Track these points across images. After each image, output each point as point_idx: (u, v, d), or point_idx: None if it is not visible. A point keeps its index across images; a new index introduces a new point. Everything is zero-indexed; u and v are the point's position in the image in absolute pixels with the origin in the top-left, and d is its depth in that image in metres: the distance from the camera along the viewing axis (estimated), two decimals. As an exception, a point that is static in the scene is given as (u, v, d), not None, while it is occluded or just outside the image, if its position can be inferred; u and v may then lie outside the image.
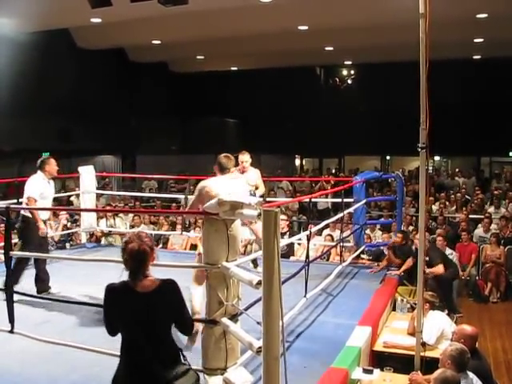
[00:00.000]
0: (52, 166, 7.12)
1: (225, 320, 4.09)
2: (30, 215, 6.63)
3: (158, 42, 18.88)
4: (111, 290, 3.38)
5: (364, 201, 9.07)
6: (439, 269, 8.38)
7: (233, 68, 24.43)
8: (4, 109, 17.32)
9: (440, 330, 6.23)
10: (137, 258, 3.34)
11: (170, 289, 3.42)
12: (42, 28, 16.42)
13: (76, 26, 17.91)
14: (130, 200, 15.17)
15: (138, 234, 3.44)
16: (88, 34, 18.33)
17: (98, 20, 15.64)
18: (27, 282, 6.55)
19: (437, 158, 26.51)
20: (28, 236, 6.59)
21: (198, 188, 4.81)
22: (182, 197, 9.21)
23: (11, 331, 5.00)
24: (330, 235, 10.39)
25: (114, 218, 11.99)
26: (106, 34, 17.72)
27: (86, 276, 7.24)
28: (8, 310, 4.99)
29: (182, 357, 3.48)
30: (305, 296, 6.26)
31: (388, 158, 28.25)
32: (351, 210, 8.92)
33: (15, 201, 8.74)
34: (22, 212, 6.74)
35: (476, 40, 16.78)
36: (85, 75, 19.71)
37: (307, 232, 6.78)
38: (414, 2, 5.17)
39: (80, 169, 10.21)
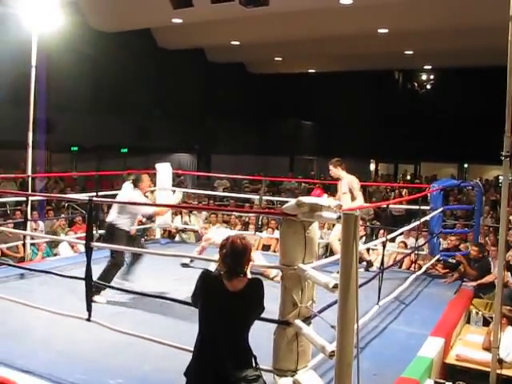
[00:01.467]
0: (145, 182, 7.21)
1: (298, 322, 4.07)
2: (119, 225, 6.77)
3: (236, 42, 19.07)
4: (205, 277, 3.42)
5: (441, 209, 8.85)
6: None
7: (310, 70, 24.39)
8: (85, 106, 17.95)
9: (519, 347, 6.00)
10: (238, 254, 3.33)
11: (256, 289, 3.41)
12: (124, 28, 16.91)
13: (158, 26, 18.32)
14: (204, 198, 15.36)
15: (240, 235, 3.47)
16: (169, 34, 18.75)
17: (179, 20, 15.96)
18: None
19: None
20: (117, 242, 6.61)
21: None
22: (256, 197, 9.23)
23: (88, 319, 5.15)
24: (404, 242, 10.21)
25: (189, 216, 12.17)
26: (187, 34, 18.05)
27: (160, 271, 7.39)
28: (86, 298, 5.14)
29: (255, 362, 3.46)
30: (377, 303, 6.18)
31: (466, 165, 27.51)
32: (427, 217, 8.72)
33: (94, 194, 9.04)
34: (110, 221, 6.85)
35: None
36: (164, 75, 20.16)
37: (383, 238, 6.67)
38: (502, 4, 5.02)
39: (157, 166, 10.40)
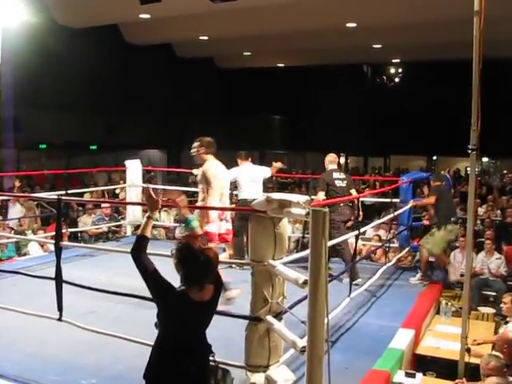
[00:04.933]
0: None
1: (269, 318, 4.09)
2: None
3: (205, 37, 18.98)
4: (169, 295, 3.22)
5: (411, 201, 8.95)
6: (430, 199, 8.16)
7: (279, 64, 24.41)
8: (52, 103, 17.69)
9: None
10: (204, 266, 3.18)
11: (219, 293, 3.37)
12: (91, 24, 16.70)
13: (125, 21, 18.15)
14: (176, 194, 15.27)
15: (198, 239, 3.28)
16: (136, 29, 18.58)
17: (147, 16, 15.82)
18: (74, 270, 6.66)
19: (485, 159, 26.02)
20: None
21: None
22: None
23: (59, 319, 5.11)
24: (378, 235, 10.32)
25: (160, 212, 12.10)
26: (154, 29, 17.92)
27: (130, 268, 7.33)
28: (57, 298, 5.09)
29: (212, 356, 3.41)
30: (349, 296, 6.22)
31: (434, 158, 27.84)
32: (400, 211, 8.81)
33: (63, 192, 8.94)
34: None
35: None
36: (133, 70, 19.99)
37: (355, 232, 6.72)
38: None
39: (127, 162, 10.33)
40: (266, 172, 8.45)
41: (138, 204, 8.99)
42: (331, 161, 8.14)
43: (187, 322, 3.23)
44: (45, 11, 15.12)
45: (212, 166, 6.17)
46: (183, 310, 3.21)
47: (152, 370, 3.29)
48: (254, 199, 4.30)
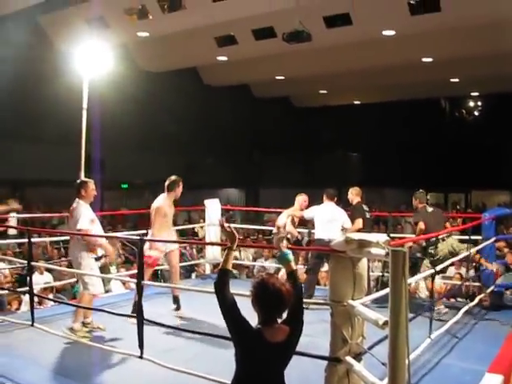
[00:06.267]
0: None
1: (348, 359, 4.05)
2: None
3: (281, 77, 19.29)
4: (244, 331, 3.21)
5: (493, 239, 8.65)
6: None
7: (356, 102, 24.42)
8: (134, 145, 18.37)
9: None
10: (279, 302, 3.16)
11: (298, 335, 3.29)
12: (171, 68, 17.35)
13: (203, 64, 18.72)
14: (254, 233, 15.40)
15: (273, 276, 3.27)
16: (214, 71, 19.12)
17: (224, 58, 16.27)
18: (154, 308, 6.80)
19: None
20: None
21: None
22: (305, 231, 9.19)
23: (141, 357, 5.23)
24: (460, 273, 10.00)
25: (240, 251, 12.20)
26: (232, 71, 18.40)
27: (208, 305, 7.41)
28: (138, 336, 5.22)
29: None
30: (429, 336, 6.04)
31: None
32: (479, 247, 8.53)
33: (145, 231, 9.23)
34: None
35: None
36: (211, 111, 20.51)
37: (432, 270, 6.57)
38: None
39: (206, 202, 10.51)
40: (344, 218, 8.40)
41: (218, 244, 9.12)
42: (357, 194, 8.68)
43: (262, 363, 3.20)
44: (129, 59, 15.85)
45: None
46: (257, 350, 3.18)
47: None
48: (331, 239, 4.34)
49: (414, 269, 7.63)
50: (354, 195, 8.64)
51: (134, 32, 14.78)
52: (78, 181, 6.87)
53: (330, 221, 8.11)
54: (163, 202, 7.46)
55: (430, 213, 8.19)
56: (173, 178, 7.71)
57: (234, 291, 3.43)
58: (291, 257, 3.51)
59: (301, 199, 8.79)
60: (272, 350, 3.17)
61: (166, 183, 7.64)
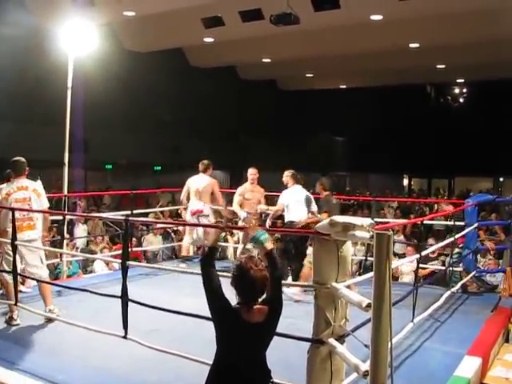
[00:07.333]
0: None
1: (331, 341, 4.06)
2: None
3: (268, 60, 19.21)
4: (223, 313, 3.31)
5: (476, 225, 8.73)
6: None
7: (342, 86, 24.40)
8: (119, 125, 18.23)
9: None
10: (255, 286, 3.25)
11: (277, 315, 3.36)
12: (157, 48, 17.17)
13: (189, 45, 18.58)
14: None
15: (252, 260, 3.31)
16: (200, 52, 18.99)
17: (211, 39, 16.15)
18: (138, 288, 6.79)
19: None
20: None
21: None
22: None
23: (125, 337, 5.23)
24: (442, 260, 10.11)
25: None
26: (218, 52, 18.28)
27: (192, 288, 7.42)
28: (123, 316, 5.22)
29: (269, 377, 3.42)
30: (412, 321, 6.10)
31: (501, 179, 27.09)
32: (462, 233, 8.60)
33: (129, 212, 9.23)
34: None
35: None
36: (197, 92, 20.38)
37: (417, 255, 6.62)
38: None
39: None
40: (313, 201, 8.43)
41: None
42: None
43: (241, 343, 3.25)
44: (114, 38, 15.66)
45: None
46: (236, 329, 3.25)
47: None
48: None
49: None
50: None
51: (119, 11, 14.59)
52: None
53: (299, 201, 8.15)
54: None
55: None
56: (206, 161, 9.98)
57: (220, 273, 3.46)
58: (264, 237, 3.54)
59: (248, 173, 9.47)
60: (251, 330, 3.23)
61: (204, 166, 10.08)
